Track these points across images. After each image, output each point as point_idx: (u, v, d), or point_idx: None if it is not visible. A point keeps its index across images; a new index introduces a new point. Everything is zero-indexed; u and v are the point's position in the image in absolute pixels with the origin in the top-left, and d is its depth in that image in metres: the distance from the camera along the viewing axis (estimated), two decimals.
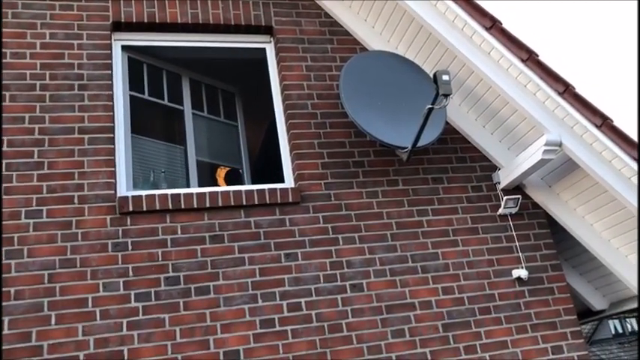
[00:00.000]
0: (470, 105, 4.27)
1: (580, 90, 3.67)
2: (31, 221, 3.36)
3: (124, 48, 4.12)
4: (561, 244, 4.36)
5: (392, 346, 3.54)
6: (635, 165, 3.56)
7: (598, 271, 4.47)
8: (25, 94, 3.67)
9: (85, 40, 3.93)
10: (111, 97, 3.83)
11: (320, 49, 4.36)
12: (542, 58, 3.71)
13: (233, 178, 4.85)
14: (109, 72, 3.89)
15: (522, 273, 3.91)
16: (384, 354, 3.51)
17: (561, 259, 4.25)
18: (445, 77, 3.47)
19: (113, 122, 3.77)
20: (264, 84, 4.33)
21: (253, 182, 4.78)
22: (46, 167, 3.52)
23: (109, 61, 3.93)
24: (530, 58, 3.67)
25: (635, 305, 4.43)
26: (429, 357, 3.56)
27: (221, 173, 4.90)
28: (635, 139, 3.62)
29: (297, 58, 4.29)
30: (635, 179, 3.62)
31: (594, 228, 4.14)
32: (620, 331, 23.05)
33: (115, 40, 4.08)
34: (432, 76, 3.62)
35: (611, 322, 22.50)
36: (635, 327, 23.05)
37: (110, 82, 3.87)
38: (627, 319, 22.74)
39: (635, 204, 3.65)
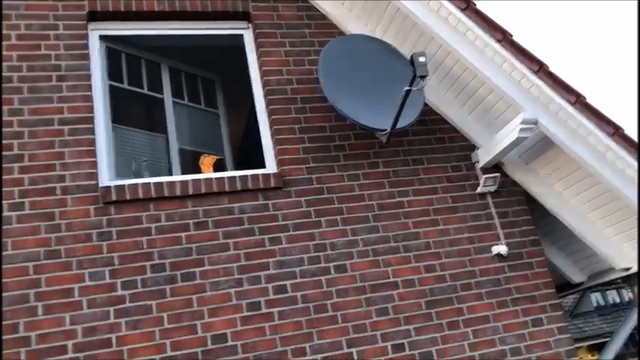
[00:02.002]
0: (447, 86, 4.33)
1: (554, 69, 3.74)
2: (14, 214, 3.36)
3: (102, 38, 4.10)
4: (540, 220, 4.46)
5: (376, 324, 3.62)
6: (608, 141, 3.65)
7: (576, 245, 4.59)
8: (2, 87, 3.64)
9: (61, 30, 3.90)
10: (90, 88, 3.82)
11: (298, 34, 4.37)
12: (516, 38, 3.77)
13: (216, 164, 4.87)
14: (87, 62, 3.88)
15: (502, 249, 4.00)
16: (369, 332, 3.59)
17: (540, 234, 4.35)
18: (422, 59, 3.51)
19: (93, 112, 3.77)
20: (244, 70, 4.34)
21: (236, 168, 4.81)
22: (27, 159, 3.51)
23: (87, 52, 3.91)
24: (504, 38, 3.73)
25: (612, 277, 4.55)
26: (412, 334, 3.65)
27: (204, 161, 4.91)
28: (608, 115, 3.71)
29: (276, 43, 4.30)
30: (610, 155, 3.70)
31: (571, 203, 4.24)
32: (602, 303, 23.58)
33: (91, 29, 4.06)
34: (408, 58, 3.66)
35: (593, 295, 23.01)
36: (617, 299, 23.61)
37: (88, 72, 3.86)
38: (608, 292, 23.28)
39: (609, 178, 3.75)
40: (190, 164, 4.64)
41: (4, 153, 3.49)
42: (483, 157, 4.23)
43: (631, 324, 4.38)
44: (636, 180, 3.68)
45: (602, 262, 4.44)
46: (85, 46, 3.92)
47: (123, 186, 3.57)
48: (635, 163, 3.64)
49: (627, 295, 22.57)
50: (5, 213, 3.35)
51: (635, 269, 4.18)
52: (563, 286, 4.98)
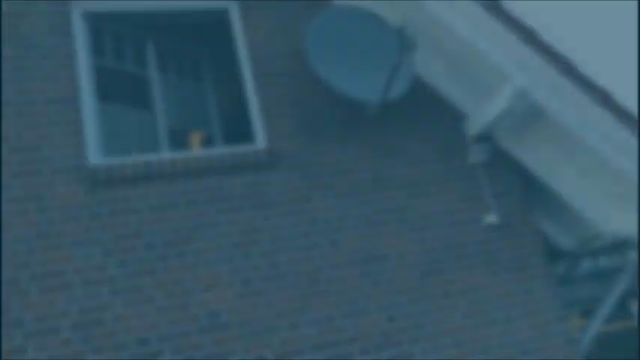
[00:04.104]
0: (437, 56, 4.28)
1: (545, 37, 3.71)
2: (3, 196, 3.33)
3: (85, 14, 4.02)
4: (530, 188, 4.47)
5: (370, 296, 3.64)
6: (598, 108, 3.64)
7: (566, 213, 4.61)
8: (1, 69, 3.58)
9: (42, 8, 3.82)
10: (74, 66, 3.75)
11: (285, 5, 4.30)
12: (506, 5, 3.72)
13: (205, 141, 4.84)
14: (70, 40, 3.81)
15: (493, 219, 4.02)
16: (363, 304, 3.61)
17: (531, 202, 4.37)
18: (410, 30, 3.47)
19: (78, 91, 3.71)
20: (231, 44, 4.28)
21: (225, 144, 4.78)
22: (13, 140, 3.47)
23: (70, 29, 3.84)
24: (495, 6, 3.68)
25: (603, 243, 4.59)
26: (406, 305, 3.68)
27: (195, 139, 4.88)
28: (599, 82, 3.70)
29: (262, 16, 4.23)
30: (600, 122, 3.70)
31: (562, 171, 4.24)
32: (593, 269, 23.95)
33: (74, 7, 3.98)
34: (397, 29, 3.61)
35: (584, 261, 23.34)
36: (608, 265, 23.94)
37: (72, 50, 3.79)
38: (599, 258, 23.61)
39: (599, 145, 3.74)
40: (179, 141, 4.61)
41: None
42: (474, 127, 4.22)
43: (619, 289, 4.43)
44: (626, 147, 3.68)
45: (592, 228, 4.47)
46: (68, 24, 3.84)
47: (111, 165, 3.54)
48: (626, 131, 3.64)
49: (618, 261, 22.90)
50: None
51: (624, 234, 4.21)
52: (555, 253, 5.03)
